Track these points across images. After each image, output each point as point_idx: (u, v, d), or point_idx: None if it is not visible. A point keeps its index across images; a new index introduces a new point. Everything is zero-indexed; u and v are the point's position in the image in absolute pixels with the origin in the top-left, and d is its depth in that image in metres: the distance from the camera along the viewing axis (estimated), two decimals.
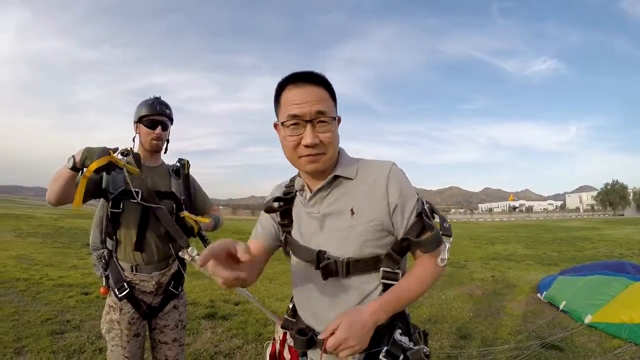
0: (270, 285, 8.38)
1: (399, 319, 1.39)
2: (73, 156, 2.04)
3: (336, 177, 1.42)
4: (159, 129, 2.51)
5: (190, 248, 2.50)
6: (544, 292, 7.26)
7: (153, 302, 2.54)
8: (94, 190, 2.35)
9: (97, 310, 5.67)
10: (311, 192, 1.45)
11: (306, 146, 1.32)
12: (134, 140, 2.56)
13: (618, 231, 27.86)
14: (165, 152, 2.67)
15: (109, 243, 2.48)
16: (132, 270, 2.46)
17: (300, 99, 1.32)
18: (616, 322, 5.21)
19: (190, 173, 2.75)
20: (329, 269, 1.36)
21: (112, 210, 2.40)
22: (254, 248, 1.60)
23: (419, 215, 1.38)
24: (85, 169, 2.04)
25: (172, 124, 2.64)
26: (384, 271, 1.36)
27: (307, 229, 1.47)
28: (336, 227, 1.39)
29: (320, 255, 1.38)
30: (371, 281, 1.37)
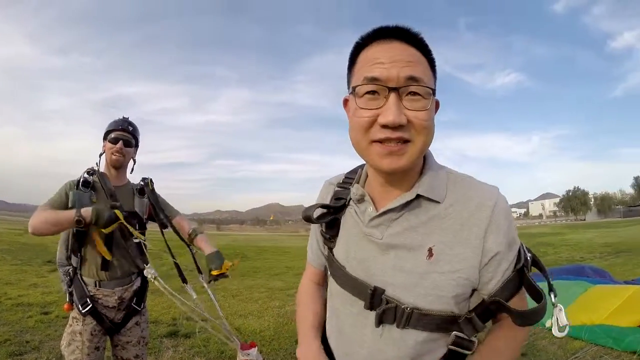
0: (233, 301, 8.25)
1: None
2: (81, 215, 2.22)
3: (418, 196, 1.02)
4: (120, 144, 2.53)
5: (149, 266, 2.50)
6: None
7: (115, 317, 2.53)
8: (63, 209, 2.36)
9: (56, 330, 5.47)
10: (376, 209, 1.07)
11: (384, 126, 0.92)
12: (100, 157, 2.58)
13: (580, 235, 28.66)
14: (131, 172, 2.71)
15: (74, 260, 2.46)
16: (95, 285, 2.45)
17: (386, 57, 0.93)
18: (577, 324, 5.30)
19: (155, 189, 2.78)
20: (386, 314, 1.02)
21: (77, 228, 2.37)
22: (318, 278, 1.38)
23: (520, 270, 1.02)
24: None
25: (137, 144, 2.68)
26: (456, 336, 1.01)
27: (359, 253, 1.09)
28: (403, 266, 1.01)
29: (376, 294, 1.03)
30: (434, 343, 1.03)
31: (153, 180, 2.77)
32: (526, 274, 1.01)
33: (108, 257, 2.40)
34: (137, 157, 2.70)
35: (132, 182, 2.74)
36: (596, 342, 4.82)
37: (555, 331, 1.00)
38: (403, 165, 0.95)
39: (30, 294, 7.90)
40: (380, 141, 0.94)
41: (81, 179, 2.44)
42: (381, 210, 1.04)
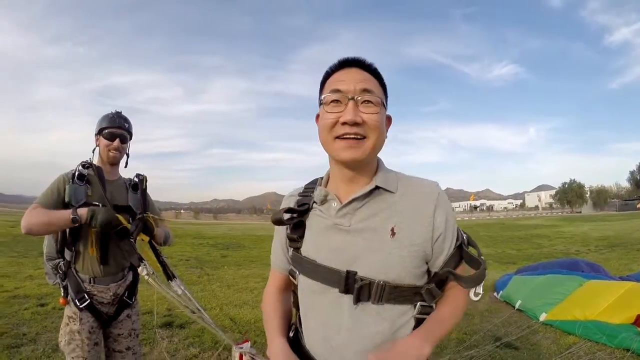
0: (228, 291, 8.26)
1: None
2: (77, 214, 2.22)
3: (376, 187, 1.23)
4: (117, 142, 2.54)
5: (144, 263, 2.52)
6: (500, 292, 7.40)
7: (109, 311, 2.56)
8: (58, 204, 2.36)
9: (53, 322, 5.51)
10: (341, 202, 1.26)
11: (344, 124, 1.17)
12: (93, 152, 2.60)
13: (575, 228, 28.74)
14: (125, 167, 2.72)
15: (67, 254, 2.47)
16: (90, 282, 2.47)
17: (347, 77, 1.21)
18: (570, 319, 5.36)
19: (147, 188, 2.80)
20: (362, 291, 1.17)
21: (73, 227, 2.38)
22: (282, 283, 1.51)
23: (459, 246, 1.26)
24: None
25: (131, 138, 2.69)
26: (421, 305, 1.22)
27: (328, 244, 1.25)
28: (371, 246, 1.20)
29: (350, 276, 1.18)
30: (404, 314, 1.21)
31: (147, 178, 2.79)
32: (464, 249, 1.27)
33: (93, 254, 2.43)
34: (131, 147, 2.71)
35: (123, 176, 2.75)
36: (590, 338, 4.86)
37: (471, 295, 1.27)
38: (360, 156, 1.19)
39: (26, 286, 7.92)
40: (342, 137, 1.18)
41: (76, 172, 2.42)
42: (346, 201, 1.24)
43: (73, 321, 2.42)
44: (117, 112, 2.62)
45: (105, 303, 2.52)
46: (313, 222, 1.32)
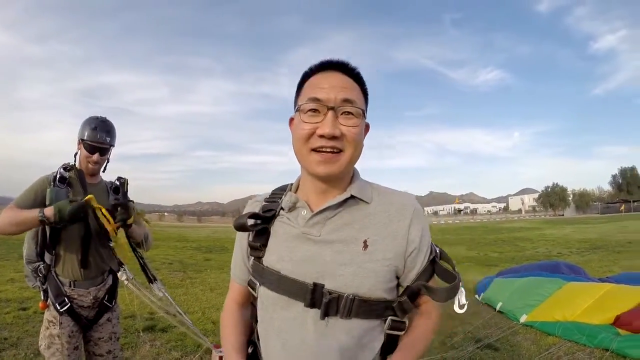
0: (211, 294, 8.21)
1: None
2: (44, 214, 2.17)
3: (351, 197, 1.18)
4: (96, 155, 2.54)
5: (124, 268, 2.58)
6: (482, 294, 7.48)
7: (89, 315, 2.56)
8: (35, 206, 2.32)
9: (34, 326, 5.44)
10: (312, 210, 1.19)
11: (321, 136, 1.09)
12: (75, 156, 2.59)
13: (557, 231, 29.07)
14: (103, 171, 2.70)
15: (47, 257, 2.46)
16: (70, 286, 2.47)
17: (327, 83, 1.13)
18: (550, 320, 5.44)
19: (128, 191, 2.79)
20: (330, 306, 1.10)
21: (47, 226, 2.37)
22: (242, 296, 1.41)
23: (432, 260, 1.22)
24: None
25: (113, 147, 2.66)
26: (392, 320, 1.16)
27: (294, 254, 1.17)
28: (341, 259, 1.13)
29: (317, 289, 1.11)
30: (373, 329, 1.16)
31: (128, 181, 2.79)
32: (437, 263, 1.22)
33: (127, 262, 2.52)
34: (116, 148, 2.69)
35: (104, 179, 2.73)
36: (569, 339, 4.94)
37: (455, 307, 1.19)
38: (335, 171, 1.13)
39: (7, 290, 7.79)
40: (318, 150, 1.11)
41: (57, 175, 2.42)
42: (317, 209, 1.17)
43: (53, 325, 2.41)
44: (102, 121, 2.58)
45: (85, 307, 2.51)
46: (279, 230, 1.23)
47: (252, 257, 1.26)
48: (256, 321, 1.29)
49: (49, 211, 2.20)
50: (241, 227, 1.22)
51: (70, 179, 2.45)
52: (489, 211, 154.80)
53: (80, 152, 2.55)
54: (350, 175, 1.24)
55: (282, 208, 1.25)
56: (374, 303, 1.13)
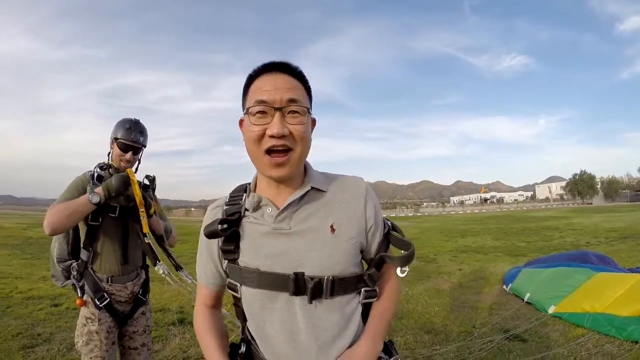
0: None
1: None
2: (97, 194, 2.29)
3: (311, 188, 1.28)
4: (129, 154, 2.63)
5: (160, 263, 2.61)
6: (510, 284, 7.41)
7: (125, 309, 2.63)
8: None
9: (67, 322, 5.61)
10: (277, 207, 1.27)
11: (271, 137, 1.17)
12: (108, 155, 2.69)
13: (586, 220, 28.49)
14: (135, 172, 2.72)
15: (84, 254, 2.52)
16: (108, 281, 2.54)
17: (270, 85, 1.20)
18: (579, 311, 5.36)
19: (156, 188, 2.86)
20: (315, 290, 1.21)
21: (90, 223, 2.47)
22: (212, 300, 1.48)
23: (386, 234, 1.37)
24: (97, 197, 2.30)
25: (145, 147, 2.75)
26: (365, 291, 1.30)
27: (269, 250, 1.25)
28: (314, 245, 1.24)
29: (299, 278, 1.20)
30: (352, 301, 1.29)
31: (156, 178, 2.85)
32: (391, 235, 1.37)
33: (146, 230, 2.53)
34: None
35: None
36: (598, 330, 4.87)
37: (398, 272, 1.31)
38: (287, 173, 1.22)
39: (40, 287, 8.06)
40: (270, 152, 1.19)
41: (95, 174, 2.51)
42: (283, 205, 1.26)
43: (91, 322, 2.47)
44: (135, 122, 2.68)
45: (122, 302, 2.59)
46: (248, 230, 1.30)
47: (227, 261, 1.33)
48: (245, 320, 1.37)
49: (99, 190, 2.30)
50: (213, 235, 1.28)
51: (105, 178, 2.51)
52: (515, 200, 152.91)
53: (113, 151, 2.63)
54: (303, 170, 1.34)
55: (246, 209, 1.32)
56: (349, 278, 1.26)
